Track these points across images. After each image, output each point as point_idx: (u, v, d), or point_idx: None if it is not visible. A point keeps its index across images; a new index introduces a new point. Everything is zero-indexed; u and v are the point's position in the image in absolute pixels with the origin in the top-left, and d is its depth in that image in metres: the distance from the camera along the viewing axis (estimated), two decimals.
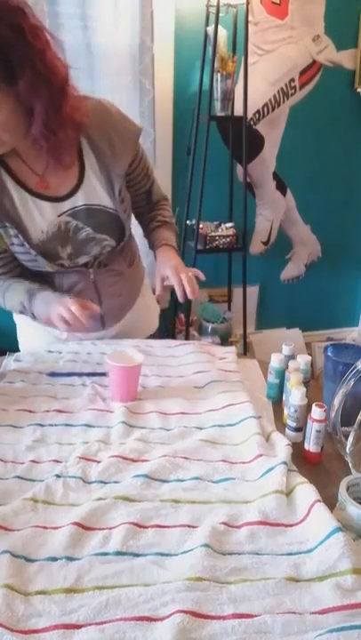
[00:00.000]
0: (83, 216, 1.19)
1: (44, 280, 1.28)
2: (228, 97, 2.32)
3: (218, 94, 2.31)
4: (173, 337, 2.63)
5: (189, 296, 1.19)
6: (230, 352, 1.34)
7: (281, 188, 2.79)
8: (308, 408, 0.98)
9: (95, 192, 1.19)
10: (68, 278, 1.27)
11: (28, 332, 1.47)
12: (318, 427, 0.93)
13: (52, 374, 1.23)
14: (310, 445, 0.95)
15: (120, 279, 1.34)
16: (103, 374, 1.22)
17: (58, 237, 1.20)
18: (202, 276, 1.22)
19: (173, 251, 1.29)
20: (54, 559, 0.72)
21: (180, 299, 1.20)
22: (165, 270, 1.22)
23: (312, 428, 0.93)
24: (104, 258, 1.27)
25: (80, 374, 1.23)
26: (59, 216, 1.18)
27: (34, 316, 1.23)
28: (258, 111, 2.58)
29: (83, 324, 1.12)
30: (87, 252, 1.23)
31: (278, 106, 2.61)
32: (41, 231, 1.18)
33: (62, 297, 1.18)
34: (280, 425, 1.06)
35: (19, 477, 0.88)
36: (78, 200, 1.18)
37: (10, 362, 1.30)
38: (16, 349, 1.38)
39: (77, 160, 1.17)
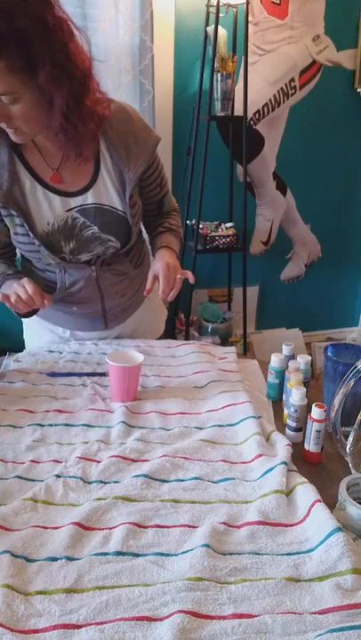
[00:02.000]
0: (91, 214, 1.20)
1: (45, 275, 1.28)
2: (228, 97, 2.32)
3: (218, 94, 2.31)
4: (173, 337, 2.63)
5: (160, 298, 1.17)
6: (230, 352, 1.34)
7: (281, 187, 2.79)
8: (308, 408, 0.98)
9: (107, 192, 1.20)
10: (69, 275, 1.27)
11: (33, 331, 1.47)
12: (318, 427, 0.93)
13: (52, 374, 1.23)
14: (310, 445, 0.95)
15: (124, 279, 1.34)
16: (103, 374, 1.22)
17: (63, 232, 1.20)
18: (191, 279, 1.21)
19: (172, 252, 1.28)
20: (54, 559, 0.72)
21: (161, 297, 1.18)
22: (157, 266, 1.20)
23: (312, 428, 0.93)
24: (108, 257, 1.27)
25: (80, 374, 1.23)
26: (67, 211, 1.19)
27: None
28: (258, 111, 2.58)
29: (31, 304, 1.14)
30: (90, 250, 1.23)
31: (278, 106, 2.61)
32: (47, 223, 1.19)
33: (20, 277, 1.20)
34: (280, 425, 1.06)
35: (19, 477, 0.88)
36: (89, 198, 1.19)
37: (10, 362, 1.30)
38: (16, 349, 1.38)
39: (93, 159, 1.18)
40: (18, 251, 1.30)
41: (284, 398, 1.09)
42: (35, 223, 1.19)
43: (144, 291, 1.31)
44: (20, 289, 1.15)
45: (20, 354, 1.34)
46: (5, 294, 1.15)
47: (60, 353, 1.34)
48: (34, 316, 1.39)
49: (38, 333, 1.45)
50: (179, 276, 1.18)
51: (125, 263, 1.32)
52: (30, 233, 1.18)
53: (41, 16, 0.93)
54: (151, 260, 1.45)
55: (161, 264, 1.19)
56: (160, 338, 1.54)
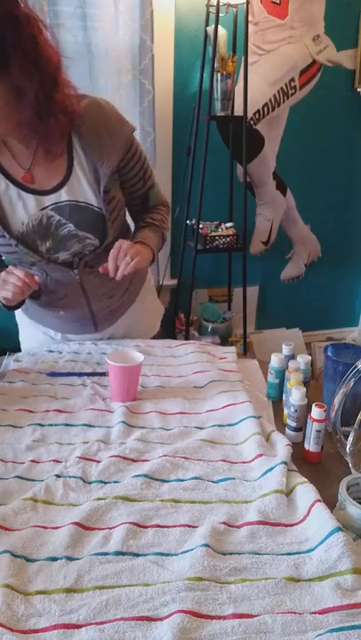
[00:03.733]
0: (67, 212, 1.19)
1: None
2: (228, 97, 2.32)
3: (218, 94, 2.31)
4: (173, 337, 2.63)
5: (110, 274, 1.16)
6: (230, 352, 1.34)
7: (281, 187, 2.79)
8: (308, 408, 0.98)
9: (81, 189, 1.18)
10: (53, 279, 1.26)
11: (28, 332, 1.47)
12: (318, 427, 0.93)
13: (52, 374, 1.23)
14: (310, 445, 0.95)
15: (109, 280, 1.29)
16: (103, 374, 1.22)
17: (38, 231, 1.19)
18: (104, 269, 1.17)
19: (142, 244, 1.23)
20: (54, 559, 0.72)
21: (109, 272, 1.16)
22: (115, 244, 1.18)
23: (312, 428, 0.93)
24: (90, 259, 1.25)
25: (80, 374, 1.23)
26: (41, 209, 1.18)
27: None
28: (258, 111, 2.58)
29: (27, 288, 1.14)
30: (67, 249, 1.22)
31: (278, 106, 2.61)
32: (21, 223, 1.18)
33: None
34: (280, 425, 1.06)
35: (19, 477, 0.88)
36: (63, 195, 1.18)
37: (10, 362, 1.30)
38: (16, 349, 1.38)
39: (66, 155, 1.16)
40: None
41: (284, 398, 1.09)
42: (9, 224, 1.18)
43: (133, 290, 1.33)
44: (11, 277, 1.14)
45: (19, 354, 1.34)
46: (3, 290, 1.14)
47: (60, 353, 1.34)
48: (26, 318, 1.39)
49: (33, 335, 1.44)
50: (128, 258, 1.15)
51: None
52: (5, 233, 1.17)
53: (9, 11, 0.94)
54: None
55: (118, 243, 1.17)
56: (155, 336, 1.52)
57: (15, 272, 1.14)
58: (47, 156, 1.12)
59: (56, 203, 1.18)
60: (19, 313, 1.44)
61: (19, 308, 1.27)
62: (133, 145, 1.23)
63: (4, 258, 1.27)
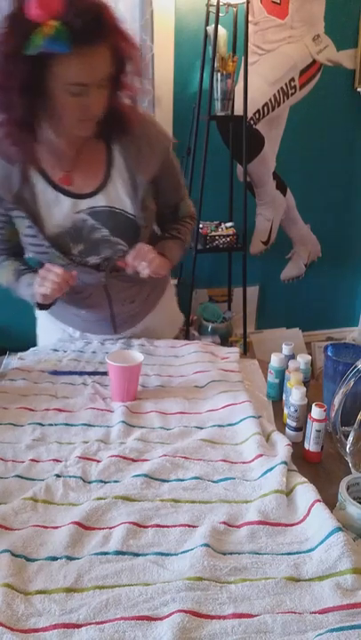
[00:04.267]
0: (102, 217, 1.21)
1: None
2: (228, 97, 2.32)
3: (218, 94, 2.31)
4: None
5: (127, 270, 1.20)
6: (233, 352, 1.34)
7: (281, 187, 2.79)
8: (308, 408, 0.98)
9: (118, 196, 1.20)
10: (79, 280, 1.26)
11: (46, 328, 1.48)
12: (318, 426, 0.93)
13: (54, 373, 1.23)
14: (310, 445, 0.95)
15: (133, 286, 1.33)
16: (105, 373, 1.22)
17: (71, 233, 1.21)
18: (153, 274, 1.22)
19: (161, 255, 1.25)
20: (54, 558, 0.72)
21: (126, 266, 1.21)
22: (136, 246, 1.22)
23: (312, 428, 0.93)
24: (117, 264, 1.27)
25: (81, 373, 1.23)
26: (76, 213, 1.19)
27: (18, 293, 1.29)
28: (258, 111, 2.57)
29: (65, 285, 1.16)
30: (98, 253, 1.24)
31: (278, 105, 2.60)
32: (56, 225, 1.20)
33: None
34: (280, 425, 1.06)
35: (19, 476, 0.88)
36: (99, 200, 1.20)
37: (10, 361, 1.30)
38: (16, 349, 1.38)
39: (105, 162, 1.19)
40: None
41: (284, 398, 1.09)
42: (44, 224, 1.19)
43: (152, 297, 1.35)
44: (50, 274, 1.16)
45: (24, 352, 1.34)
46: (42, 286, 1.16)
47: (65, 352, 1.34)
48: (46, 314, 1.41)
49: (51, 331, 1.46)
50: (148, 261, 1.19)
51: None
52: (39, 234, 1.18)
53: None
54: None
55: (140, 245, 1.21)
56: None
57: (54, 269, 1.16)
58: (86, 156, 1.18)
59: (93, 207, 1.20)
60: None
61: (50, 307, 1.28)
62: (170, 158, 1.25)
63: (30, 255, 1.29)
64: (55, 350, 1.35)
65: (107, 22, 0.99)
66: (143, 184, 1.20)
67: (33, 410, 1.08)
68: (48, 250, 1.20)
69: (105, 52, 1.01)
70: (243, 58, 2.33)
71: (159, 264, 1.21)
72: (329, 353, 1.06)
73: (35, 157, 1.15)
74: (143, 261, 1.19)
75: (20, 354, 1.33)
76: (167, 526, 0.78)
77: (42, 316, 1.47)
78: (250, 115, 2.53)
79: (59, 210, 1.19)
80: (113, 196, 1.20)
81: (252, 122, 2.58)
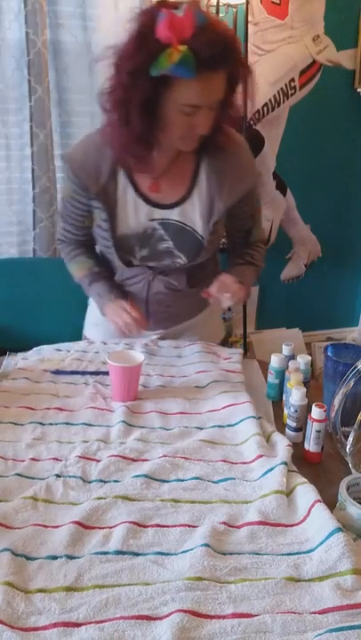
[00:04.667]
0: (171, 230, 1.24)
1: (109, 263, 1.34)
2: None
3: None
4: None
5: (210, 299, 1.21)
6: (236, 353, 1.34)
7: (281, 187, 2.79)
8: (308, 408, 0.98)
9: (193, 214, 1.23)
10: (129, 271, 1.31)
11: (94, 317, 1.49)
12: (318, 427, 0.93)
13: (57, 372, 1.23)
14: (310, 445, 0.95)
15: (174, 292, 1.34)
16: (106, 373, 1.22)
17: (140, 238, 1.24)
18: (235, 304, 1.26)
19: (241, 285, 1.26)
20: (54, 557, 0.72)
21: (210, 297, 1.23)
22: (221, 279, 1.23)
23: (312, 428, 0.94)
24: (169, 269, 1.30)
25: (83, 373, 1.23)
26: (150, 220, 1.23)
27: (88, 294, 1.38)
28: (258, 111, 2.57)
29: (134, 329, 1.23)
30: (159, 261, 1.27)
31: (278, 106, 2.60)
32: (128, 227, 1.23)
33: (115, 298, 1.29)
34: (280, 425, 1.06)
35: (19, 475, 0.88)
36: (174, 214, 1.23)
37: (10, 361, 1.30)
38: (16, 349, 1.38)
39: (191, 177, 1.21)
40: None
41: (284, 398, 1.09)
42: (118, 223, 1.23)
43: (194, 307, 1.39)
44: (124, 314, 1.24)
45: (27, 352, 1.35)
46: (113, 319, 1.26)
47: (68, 351, 1.35)
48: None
49: (96, 321, 1.48)
50: (227, 294, 1.21)
51: (182, 279, 1.32)
52: (110, 231, 1.22)
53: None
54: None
55: (222, 276, 1.24)
56: None
57: (132, 312, 1.23)
58: (175, 169, 1.21)
59: (166, 219, 1.23)
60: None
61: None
62: (253, 189, 1.26)
63: (99, 248, 1.35)
64: (58, 350, 1.35)
65: (232, 52, 1.02)
66: (220, 212, 1.22)
67: (33, 409, 1.08)
68: (111, 250, 1.25)
69: (223, 77, 1.04)
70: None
71: (241, 296, 1.24)
72: (329, 353, 1.06)
73: (147, 166, 1.19)
74: (227, 293, 1.21)
75: (23, 354, 1.33)
76: (167, 526, 0.78)
77: (92, 304, 1.50)
78: (250, 115, 2.53)
79: (134, 214, 1.22)
80: (187, 214, 1.23)
81: (251, 122, 2.58)
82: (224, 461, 0.93)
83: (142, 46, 1.01)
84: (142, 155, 1.15)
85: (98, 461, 0.92)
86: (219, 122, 1.13)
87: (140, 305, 1.34)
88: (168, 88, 1.03)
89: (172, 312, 1.39)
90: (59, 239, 1.42)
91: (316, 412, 0.93)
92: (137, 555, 0.73)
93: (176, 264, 1.28)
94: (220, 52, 0.99)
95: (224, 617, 0.64)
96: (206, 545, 0.73)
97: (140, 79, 1.02)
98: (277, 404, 1.14)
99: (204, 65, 0.99)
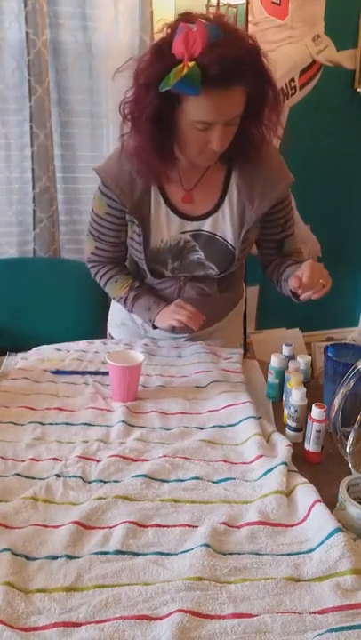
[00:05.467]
0: (202, 241, 1.23)
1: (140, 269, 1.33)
2: None
3: None
4: None
5: (300, 292, 1.14)
6: (236, 353, 1.34)
7: None
8: (308, 408, 0.98)
9: (224, 224, 1.22)
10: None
11: (118, 316, 1.49)
12: (318, 427, 0.93)
13: (57, 372, 1.23)
14: (310, 445, 0.95)
15: (204, 297, 1.33)
16: (106, 373, 1.22)
17: (172, 250, 1.24)
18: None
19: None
20: (54, 557, 0.72)
21: (298, 288, 1.14)
22: (304, 266, 1.14)
23: (312, 428, 0.94)
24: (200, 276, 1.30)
25: (83, 373, 1.23)
26: (181, 233, 1.23)
27: (131, 311, 1.35)
28: None
29: (198, 324, 1.20)
30: (190, 272, 1.27)
31: None
32: (161, 240, 1.23)
33: (164, 304, 1.27)
34: (280, 425, 1.06)
35: (19, 475, 0.88)
36: (205, 225, 1.22)
37: (10, 361, 1.30)
38: (16, 349, 1.38)
39: (222, 187, 1.21)
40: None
41: (284, 398, 1.09)
42: (150, 237, 1.23)
43: (222, 311, 1.38)
44: (182, 311, 1.20)
45: (27, 352, 1.35)
46: (172, 318, 1.22)
47: (68, 351, 1.35)
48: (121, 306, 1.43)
49: (121, 321, 1.48)
50: (321, 280, 1.12)
51: (213, 285, 1.32)
52: (142, 245, 1.22)
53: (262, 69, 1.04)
54: (243, 287, 1.53)
55: (305, 265, 1.14)
56: None
57: (187, 307, 1.20)
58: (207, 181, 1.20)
59: (197, 230, 1.23)
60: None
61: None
62: (285, 197, 1.24)
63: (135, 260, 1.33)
64: (58, 350, 1.35)
65: (246, 68, 0.99)
66: (252, 220, 1.20)
67: (33, 409, 1.08)
68: (144, 260, 1.24)
69: (238, 94, 1.01)
70: None
71: (330, 283, 1.16)
72: (329, 353, 1.06)
73: (161, 177, 1.18)
74: (320, 279, 1.13)
75: (23, 354, 1.33)
76: (167, 526, 0.78)
77: (114, 304, 1.49)
78: None
79: (167, 226, 1.22)
80: (219, 224, 1.22)
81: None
82: (224, 461, 0.93)
83: (158, 60, 1.01)
84: (157, 166, 1.14)
85: (98, 461, 0.92)
86: (247, 134, 1.12)
87: None
88: (180, 103, 1.03)
89: None
90: (91, 261, 1.37)
91: (316, 412, 0.93)
92: (137, 555, 0.73)
93: (208, 275, 1.28)
94: (230, 69, 0.96)
95: (224, 617, 0.64)
96: (206, 545, 0.73)
97: (151, 93, 1.02)
98: (277, 404, 1.14)
99: (213, 82, 0.97)
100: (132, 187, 1.19)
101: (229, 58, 0.96)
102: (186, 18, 1.00)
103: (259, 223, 1.26)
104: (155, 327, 1.30)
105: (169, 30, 1.02)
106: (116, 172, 1.20)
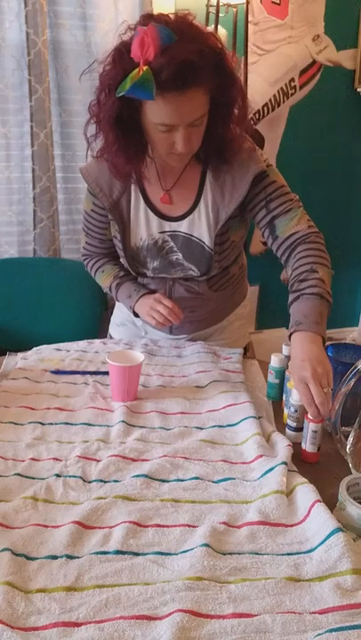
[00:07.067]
0: (179, 242, 1.24)
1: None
2: None
3: None
4: None
5: (323, 416, 0.91)
6: (236, 353, 1.34)
7: None
8: None
9: (200, 225, 1.22)
10: (149, 278, 1.32)
11: (119, 318, 1.50)
12: (315, 427, 0.93)
13: (57, 372, 1.23)
14: (307, 445, 0.95)
15: (196, 296, 1.33)
16: (106, 373, 1.22)
17: (151, 250, 1.25)
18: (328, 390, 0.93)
19: (308, 341, 1.01)
20: (54, 557, 0.72)
21: (313, 418, 0.92)
22: (302, 374, 0.94)
23: (308, 428, 0.93)
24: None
25: (83, 373, 1.23)
26: (160, 232, 1.24)
27: (117, 299, 1.37)
28: (258, 111, 2.57)
29: (172, 321, 1.20)
30: (171, 273, 1.28)
31: (278, 106, 2.60)
32: (140, 238, 1.25)
33: (145, 291, 1.28)
34: (280, 425, 1.06)
35: (19, 475, 0.88)
36: (182, 226, 1.23)
37: (10, 361, 1.30)
38: (16, 349, 1.38)
39: (198, 188, 1.21)
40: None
41: (284, 398, 1.09)
42: (130, 236, 1.25)
43: (219, 311, 1.38)
44: (159, 306, 1.21)
45: (27, 352, 1.35)
46: (149, 314, 1.22)
47: (68, 351, 1.35)
48: (122, 306, 1.44)
49: (121, 322, 1.49)
50: (325, 390, 0.91)
51: (203, 285, 1.31)
52: (122, 244, 1.24)
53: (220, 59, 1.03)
54: (247, 286, 1.50)
55: (297, 380, 0.94)
56: None
57: (164, 301, 1.21)
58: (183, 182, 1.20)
59: (175, 231, 1.23)
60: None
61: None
62: (258, 183, 1.19)
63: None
64: (58, 350, 1.35)
65: (201, 72, 0.97)
66: (223, 219, 1.20)
67: (33, 409, 1.08)
68: (124, 258, 1.26)
69: (197, 97, 1.00)
70: (243, 58, 2.33)
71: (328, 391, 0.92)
72: (329, 353, 1.06)
73: (128, 177, 1.19)
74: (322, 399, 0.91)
75: (23, 354, 1.33)
76: (167, 526, 0.78)
77: (117, 305, 1.51)
78: (250, 115, 2.54)
79: (146, 226, 1.23)
80: (195, 225, 1.23)
81: (252, 122, 2.58)
82: (224, 461, 0.93)
83: (118, 64, 1.00)
84: (122, 166, 1.14)
85: (98, 461, 0.92)
86: (218, 132, 1.11)
87: None
88: (142, 105, 1.03)
89: (196, 316, 1.37)
90: (83, 254, 1.42)
91: None
92: (137, 554, 0.73)
93: (189, 275, 1.28)
94: (181, 73, 0.94)
95: (224, 617, 0.64)
96: (206, 545, 0.73)
97: (112, 96, 1.01)
98: (277, 403, 1.14)
99: (167, 86, 0.95)
100: (110, 186, 1.21)
101: (181, 62, 0.94)
102: (145, 21, 0.99)
103: (239, 222, 1.25)
104: (136, 315, 1.31)
105: (130, 33, 1.01)
106: (96, 172, 1.22)
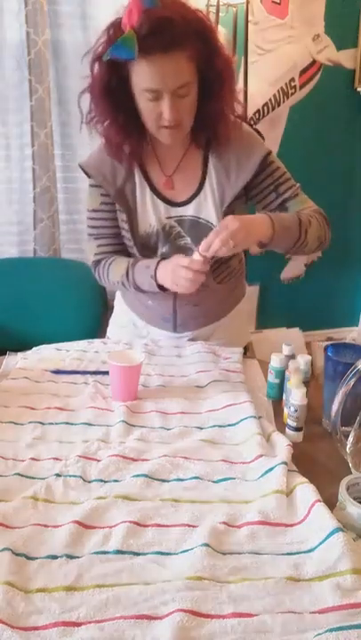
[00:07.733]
0: (187, 226, 1.24)
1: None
2: None
3: None
4: None
5: (200, 249, 1.07)
6: (236, 353, 1.34)
7: None
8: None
9: (206, 207, 1.23)
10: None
11: (119, 320, 1.50)
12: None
13: (57, 372, 1.23)
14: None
15: (201, 289, 1.27)
16: (106, 373, 1.22)
17: (160, 235, 1.25)
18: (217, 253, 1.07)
19: (260, 219, 1.13)
20: (55, 557, 0.72)
21: (200, 251, 1.08)
22: (223, 220, 1.09)
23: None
24: None
25: (84, 372, 1.23)
26: (167, 218, 1.24)
27: (137, 288, 1.26)
28: (258, 111, 2.58)
29: (201, 278, 1.12)
30: None
31: (278, 105, 2.61)
32: (149, 224, 1.25)
33: (160, 259, 1.21)
34: (280, 425, 1.06)
35: (19, 475, 0.88)
36: (189, 210, 1.23)
37: (10, 361, 1.30)
38: (16, 349, 1.38)
39: (201, 171, 1.22)
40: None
41: (284, 398, 1.09)
42: (138, 223, 1.25)
43: (221, 307, 1.38)
44: (183, 271, 1.11)
45: (27, 352, 1.35)
46: (175, 282, 1.13)
47: (68, 351, 1.35)
48: (123, 304, 1.44)
49: (123, 322, 1.48)
50: (225, 236, 1.04)
51: (208, 275, 1.28)
52: (130, 232, 1.24)
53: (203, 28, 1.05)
54: (245, 284, 1.50)
55: (234, 227, 1.06)
56: None
57: (182, 262, 1.11)
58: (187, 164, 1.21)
59: (180, 216, 1.24)
60: (118, 299, 1.51)
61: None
62: (266, 164, 1.22)
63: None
64: (58, 350, 1.36)
65: (181, 32, 0.99)
66: (231, 196, 1.20)
67: (34, 409, 1.08)
68: (134, 247, 1.26)
69: (181, 61, 1.02)
70: (243, 58, 2.34)
71: (246, 242, 1.08)
72: (329, 353, 1.06)
73: (138, 158, 1.20)
74: (224, 239, 1.05)
75: (23, 353, 1.33)
76: (167, 526, 0.78)
77: (118, 306, 1.50)
78: (250, 115, 2.54)
79: (153, 212, 1.24)
80: (202, 207, 1.23)
81: (252, 122, 2.58)
82: (224, 461, 0.93)
83: (108, 35, 1.06)
84: (119, 143, 1.16)
85: (98, 461, 0.92)
86: (210, 112, 1.12)
87: (167, 302, 1.33)
88: (129, 75, 1.06)
89: (199, 311, 1.36)
90: (95, 261, 1.34)
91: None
92: (137, 554, 0.73)
93: None
94: (162, 28, 0.98)
95: (224, 617, 0.64)
96: (206, 545, 0.73)
97: (101, 67, 1.06)
98: (277, 403, 1.14)
99: (149, 46, 0.99)
100: (114, 173, 1.22)
101: (160, 17, 0.98)
102: None
103: (245, 203, 1.27)
104: (160, 288, 1.21)
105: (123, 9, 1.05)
106: (98, 161, 1.23)
